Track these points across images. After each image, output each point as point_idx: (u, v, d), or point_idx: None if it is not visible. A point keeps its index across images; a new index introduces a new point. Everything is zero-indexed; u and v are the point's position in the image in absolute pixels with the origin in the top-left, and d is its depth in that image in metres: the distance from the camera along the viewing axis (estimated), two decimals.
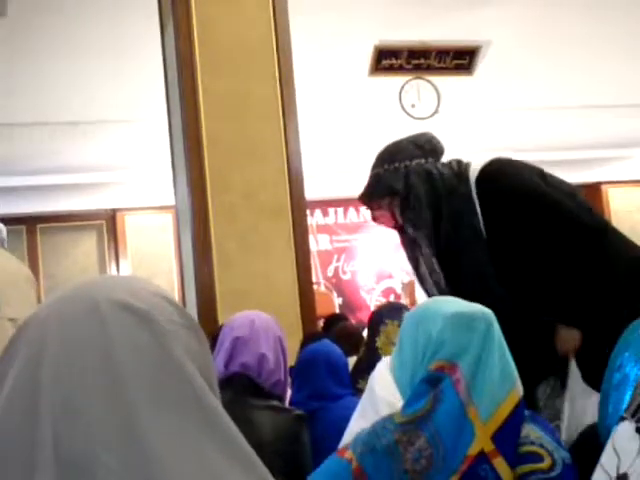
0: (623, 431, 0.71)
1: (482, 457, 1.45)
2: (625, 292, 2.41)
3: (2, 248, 3.85)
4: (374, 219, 2.89)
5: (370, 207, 2.78)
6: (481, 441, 1.45)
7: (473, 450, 1.45)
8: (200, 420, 0.69)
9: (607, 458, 0.71)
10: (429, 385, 1.54)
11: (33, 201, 9.07)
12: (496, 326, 1.60)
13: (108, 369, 0.68)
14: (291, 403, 2.62)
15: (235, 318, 2.56)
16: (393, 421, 1.53)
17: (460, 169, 2.68)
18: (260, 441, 2.21)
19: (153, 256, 9.41)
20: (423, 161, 2.64)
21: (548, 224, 2.47)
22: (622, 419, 0.72)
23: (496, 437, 1.46)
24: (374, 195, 2.71)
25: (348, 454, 1.52)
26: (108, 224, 9.61)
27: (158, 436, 0.66)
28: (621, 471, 0.69)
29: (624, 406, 0.88)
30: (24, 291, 3.60)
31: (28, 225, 9.39)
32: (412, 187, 2.57)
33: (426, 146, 2.71)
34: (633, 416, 0.71)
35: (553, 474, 1.52)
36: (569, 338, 2.42)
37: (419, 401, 1.52)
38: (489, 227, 2.52)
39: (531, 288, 2.47)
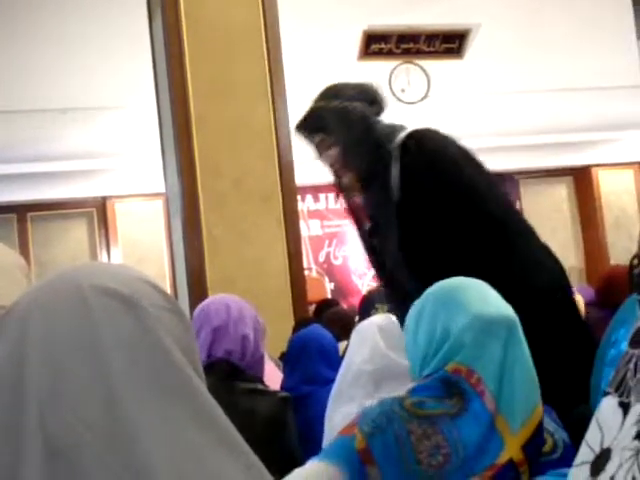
0: (606, 405, 0.71)
1: (510, 465, 1.42)
2: (516, 290, 2.32)
3: None
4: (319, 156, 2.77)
5: (306, 139, 2.67)
6: (511, 451, 1.42)
7: (502, 459, 1.42)
8: (185, 403, 0.69)
9: (591, 433, 0.72)
10: (445, 385, 1.49)
11: (23, 189, 9.03)
12: (519, 331, 1.55)
13: (92, 353, 0.68)
14: (282, 388, 2.63)
15: (207, 306, 2.51)
16: (404, 407, 1.48)
17: (394, 127, 2.55)
18: (245, 424, 2.21)
19: (144, 243, 9.39)
20: (362, 106, 2.53)
21: (456, 204, 2.38)
22: (606, 394, 0.72)
23: (527, 447, 1.43)
24: (307, 128, 2.62)
25: (354, 431, 1.47)
26: (98, 211, 9.58)
27: (142, 418, 0.66)
28: (604, 445, 0.69)
29: None
30: (16, 279, 3.58)
31: (18, 213, 9.36)
32: (348, 128, 2.48)
33: (369, 93, 2.61)
34: (617, 390, 0.71)
35: (555, 456, 1.50)
36: None
37: (436, 399, 1.48)
38: (403, 191, 2.41)
39: (426, 265, 2.37)
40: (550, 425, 1.57)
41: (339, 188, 2.65)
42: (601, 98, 9.20)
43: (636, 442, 0.65)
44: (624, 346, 1.02)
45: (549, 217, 11.51)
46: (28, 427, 0.64)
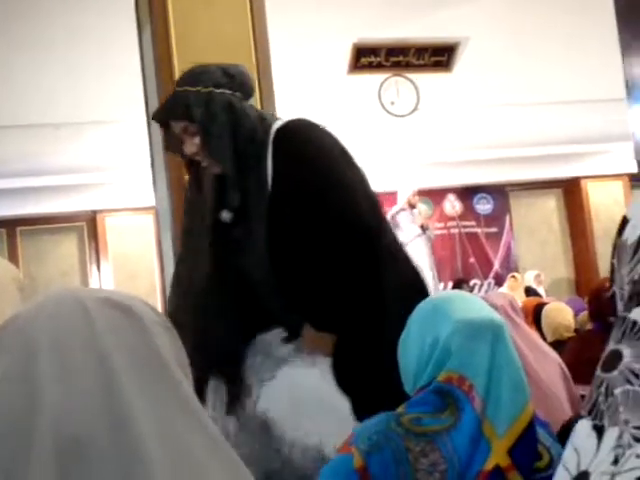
0: (581, 428, 0.72)
1: (497, 471, 1.42)
2: (386, 301, 2.16)
3: None
4: (166, 147, 2.60)
5: (163, 127, 2.42)
6: (497, 456, 1.42)
7: (488, 465, 1.42)
8: (180, 405, 0.75)
9: (568, 456, 0.73)
10: (439, 397, 1.50)
11: (13, 204, 9.02)
12: (505, 334, 1.54)
13: (98, 362, 0.72)
14: None
15: None
16: (401, 424, 1.48)
17: (265, 116, 2.37)
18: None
19: (134, 257, 9.38)
20: (229, 92, 2.30)
21: (325, 203, 2.19)
22: (580, 417, 0.74)
23: (513, 452, 1.43)
24: (169, 115, 2.36)
25: (351, 449, 1.47)
26: (89, 226, 9.58)
27: (147, 430, 0.70)
28: (581, 468, 0.70)
29: None
30: (10, 294, 3.57)
31: (8, 228, 9.34)
32: (213, 116, 2.25)
33: (237, 78, 2.36)
34: (589, 413, 0.73)
35: (551, 472, 1.47)
36: (320, 343, 2.15)
37: (432, 414, 1.49)
38: (274, 183, 2.23)
39: (289, 263, 2.19)
40: (547, 440, 1.55)
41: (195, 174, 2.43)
42: (589, 110, 9.26)
43: (613, 467, 0.67)
44: None
45: (539, 229, 11.56)
46: (40, 430, 0.67)
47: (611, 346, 0.74)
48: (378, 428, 1.48)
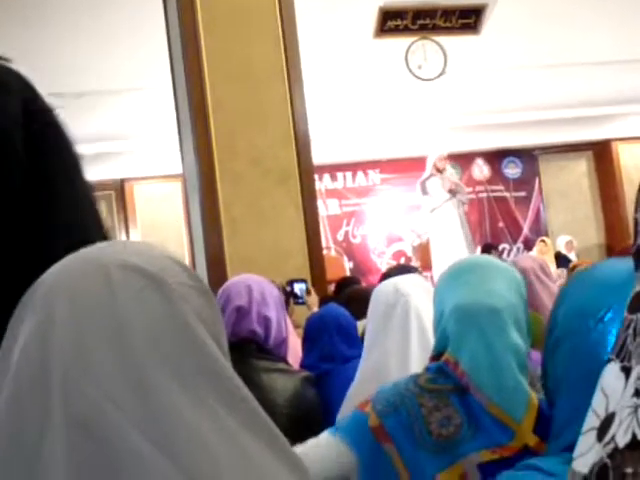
0: (609, 371, 0.73)
1: (526, 450, 1.41)
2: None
3: None
4: None
5: None
6: (523, 438, 1.42)
7: (515, 444, 1.43)
8: (211, 381, 0.69)
9: (597, 401, 0.73)
10: (443, 376, 1.52)
11: None
12: (501, 319, 1.52)
13: (117, 331, 0.68)
14: (302, 366, 2.64)
15: (229, 286, 2.52)
16: (417, 384, 1.52)
17: None
18: (271, 404, 2.23)
19: (163, 224, 9.43)
20: None
21: None
22: (608, 361, 0.74)
23: (537, 429, 1.42)
24: None
25: (368, 408, 1.52)
26: (117, 194, 9.62)
27: (169, 395, 0.66)
28: (609, 410, 0.71)
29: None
30: None
31: None
32: None
33: None
34: (618, 356, 0.73)
35: None
36: None
37: (447, 375, 1.51)
38: None
39: None
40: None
41: None
42: (620, 71, 9.11)
43: (634, 399, 0.67)
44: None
45: (569, 193, 11.45)
46: (53, 401, 0.65)
47: (637, 288, 0.74)
48: (396, 389, 1.53)
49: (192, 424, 0.65)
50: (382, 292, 2.05)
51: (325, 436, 1.52)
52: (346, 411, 1.94)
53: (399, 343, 1.95)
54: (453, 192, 8.61)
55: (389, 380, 1.66)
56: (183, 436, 0.64)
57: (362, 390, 1.83)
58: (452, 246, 8.34)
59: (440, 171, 8.68)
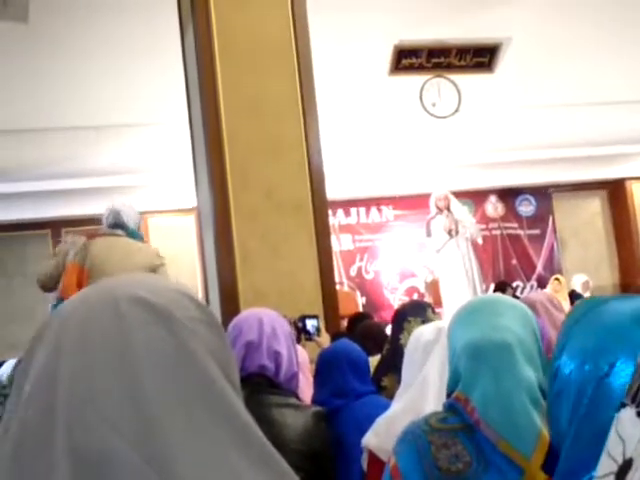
0: (625, 416, 0.72)
1: None
2: None
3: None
4: None
5: None
6: (531, 476, 1.42)
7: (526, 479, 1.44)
8: (219, 417, 0.68)
9: (612, 444, 0.73)
10: (453, 413, 1.54)
11: (57, 205, 9.13)
12: (513, 356, 1.52)
13: (124, 365, 0.68)
14: (314, 401, 2.62)
15: (241, 320, 2.51)
16: (429, 424, 1.54)
17: None
18: (282, 439, 2.21)
19: (176, 258, 9.44)
20: None
21: None
22: (623, 405, 0.74)
23: (546, 467, 1.42)
24: None
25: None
26: None
27: (175, 432, 0.66)
28: (627, 456, 0.70)
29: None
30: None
31: (53, 229, 9.46)
32: None
33: None
34: (633, 401, 0.73)
35: None
36: None
37: (457, 414, 1.53)
38: None
39: None
40: None
41: None
42: (634, 111, 9.13)
43: None
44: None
45: (583, 231, 11.42)
46: (58, 433, 0.65)
47: None
48: (410, 429, 1.55)
49: (200, 464, 0.65)
50: (424, 331, 2.16)
51: None
52: (382, 434, 1.99)
53: (438, 376, 2.01)
54: (452, 232, 8.46)
55: (426, 411, 1.71)
56: (190, 475, 0.64)
57: (401, 420, 1.85)
58: (458, 285, 8.34)
59: (442, 210, 8.59)
